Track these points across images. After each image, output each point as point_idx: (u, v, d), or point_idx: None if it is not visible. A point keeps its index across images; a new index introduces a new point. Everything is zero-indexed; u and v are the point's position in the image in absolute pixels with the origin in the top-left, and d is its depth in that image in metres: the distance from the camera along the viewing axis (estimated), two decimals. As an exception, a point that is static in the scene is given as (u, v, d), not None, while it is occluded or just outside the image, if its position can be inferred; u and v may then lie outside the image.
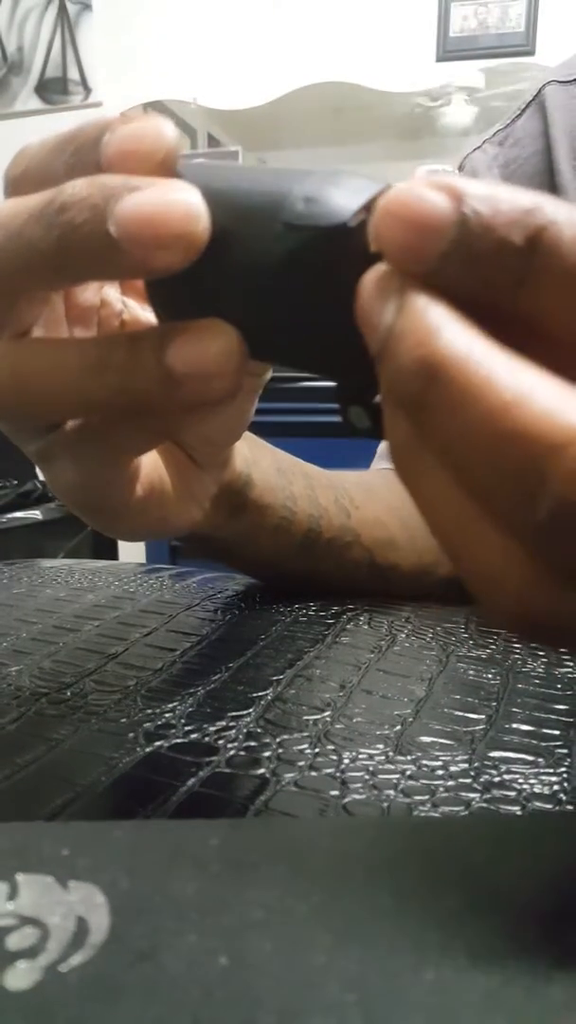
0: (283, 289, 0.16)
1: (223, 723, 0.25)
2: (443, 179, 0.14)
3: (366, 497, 0.42)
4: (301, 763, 0.22)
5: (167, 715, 0.25)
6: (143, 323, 0.25)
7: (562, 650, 0.16)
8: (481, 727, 0.25)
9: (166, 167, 0.17)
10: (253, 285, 0.17)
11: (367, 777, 0.22)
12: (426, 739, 0.24)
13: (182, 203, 0.15)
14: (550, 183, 0.51)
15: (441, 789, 0.21)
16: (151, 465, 0.26)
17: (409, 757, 0.23)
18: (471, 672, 0.29)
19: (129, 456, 0.24)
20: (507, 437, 0.12)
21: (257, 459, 0.35)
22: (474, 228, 0.13)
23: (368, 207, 0.16)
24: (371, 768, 0.22)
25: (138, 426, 0.21)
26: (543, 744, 0.23)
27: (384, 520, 0.41)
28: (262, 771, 0.22)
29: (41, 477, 1.66)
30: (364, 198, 0.16)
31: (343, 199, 0.16)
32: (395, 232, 0.14)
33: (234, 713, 0.26)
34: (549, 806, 0.20)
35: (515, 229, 0.13)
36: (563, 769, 0.22)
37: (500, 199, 0.13)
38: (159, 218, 0.15)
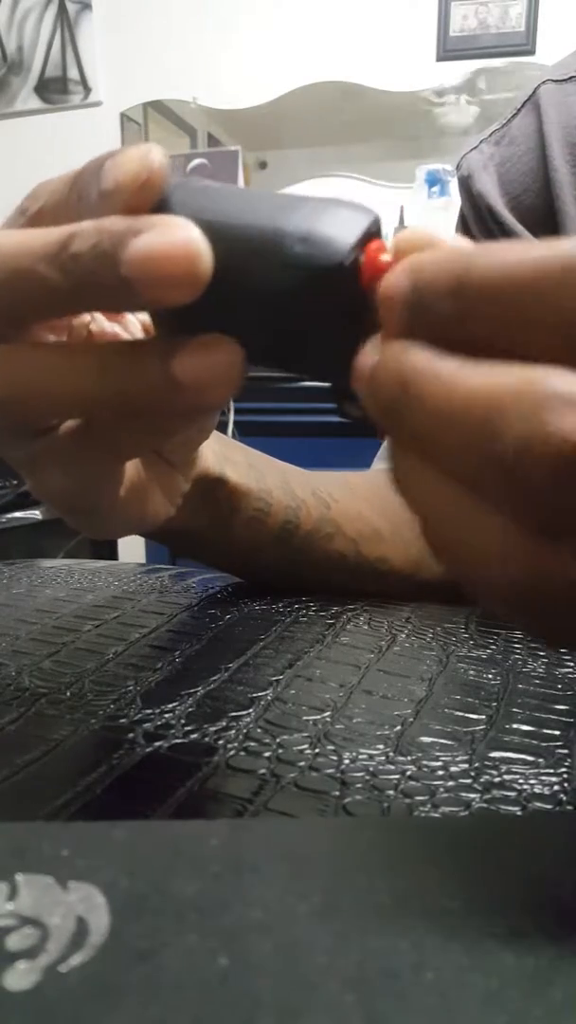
0: (282, 314, 0.18)
1: (223, 723, 0.25)
2: (403, 263, 0.16)
3: (346, 493, 0.42)
4: (301, 763, 0.22)
5: (167, 715, 0.25)
6: (109, 334, 0.26)
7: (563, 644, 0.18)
8: (481, 727, 0.25)
9: (151, 187, 0.18)
10: (253, 310, 0.18)
11: (367, 777, 0.22)
12: (426, 739, 0.24)
13: (186, 244, 0.17)
14: (544, 179, 0.52)
15: (441, 789, 0.21)
16: (131, 466, 0.26)
17: (409, 757, 0.23)
18: (471, 672, 0.29)
19: (122, 460, 0.24)
20: (462, 409, 0.15)
21: (229, 456, 0.35)
22: (418, 285, 0.16)
23: (360, 240, 0.17)
24: (371, 768, 0.22)
25: (134, 430, 0.22)
26: (543, 744, 0.23)
27: (366, 514, 0.42)
28: (262, 771, 0.22)
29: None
30: (356, 234, 0.17)
31: (337, 235, 0.17)
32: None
33: (234, 713, 0.26)
34: (549, 806, 0.20)
35: (445, 279, 0.16)
36: (563, 769, 0.22)
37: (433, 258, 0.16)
38: (166, 260, 0.17)
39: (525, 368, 0.15)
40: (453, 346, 0.16)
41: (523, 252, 0.15)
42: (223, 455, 0.35)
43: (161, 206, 0.18)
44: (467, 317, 0.15)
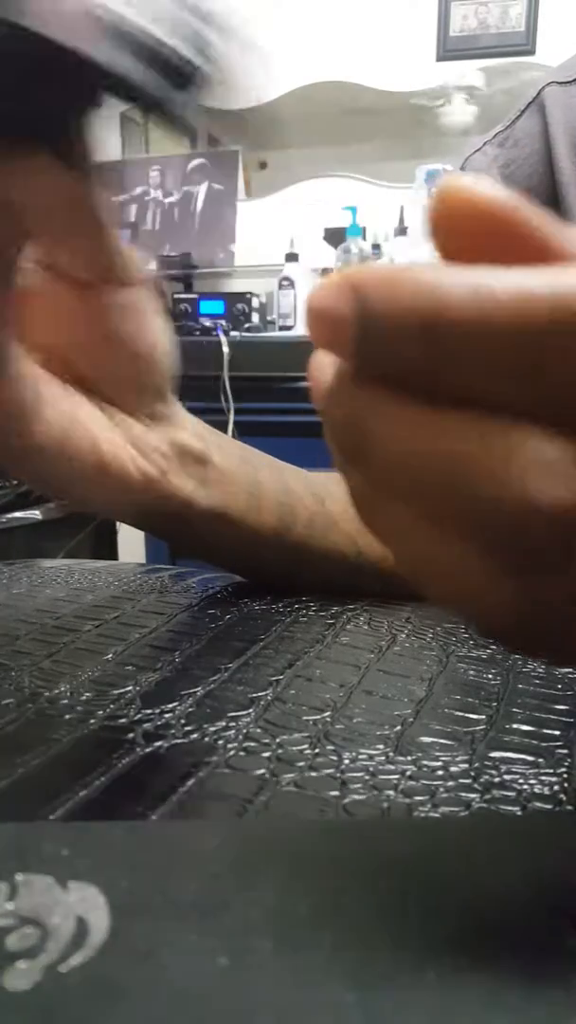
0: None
1: (223, 723, 0.25)
2: (347, 275, 0.14)
3: (343, 490, 0.42)
4: (301, 763, 0.22)
5: (167, 715, 0.25)
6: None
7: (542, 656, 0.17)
8: (481, 727, 0.25)
9: None
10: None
11: (367, 777, 0.22)
12: (426, 739, 0.24)
13: None
14: (550, 181, 0.52)
15: (441, 789, 0.21)
16: (55, 405, 0.28)
17: (409, 757, 0.23)
18: (471, 672, 0.29)
19: None
20: (429, 464, 0.14)
21: (220, 443, 0.36)
22: (373, 320, 0.13)
23: None
24: (371, 768, 0.22)
25: None
26: (543, 744, 0.23)
27: None
28: (262, 771, 0.22)
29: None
30: None
31: None
32: (317, 332, 0.14)
33: (234, 713, 0.26)
34: (549, 806, 0.20)
35: (410, 318, 0.13)
36: (563, 769, 0.22)
37: (397, 286, 0.13)
38: None
39: (498, 426, 0.13)
40: (415, 387, 0.14)
41: (503, 285, 0.13)
42: (209, 440, 0.35)
43: None
44: (438, 366, 0.13)
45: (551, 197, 0.52)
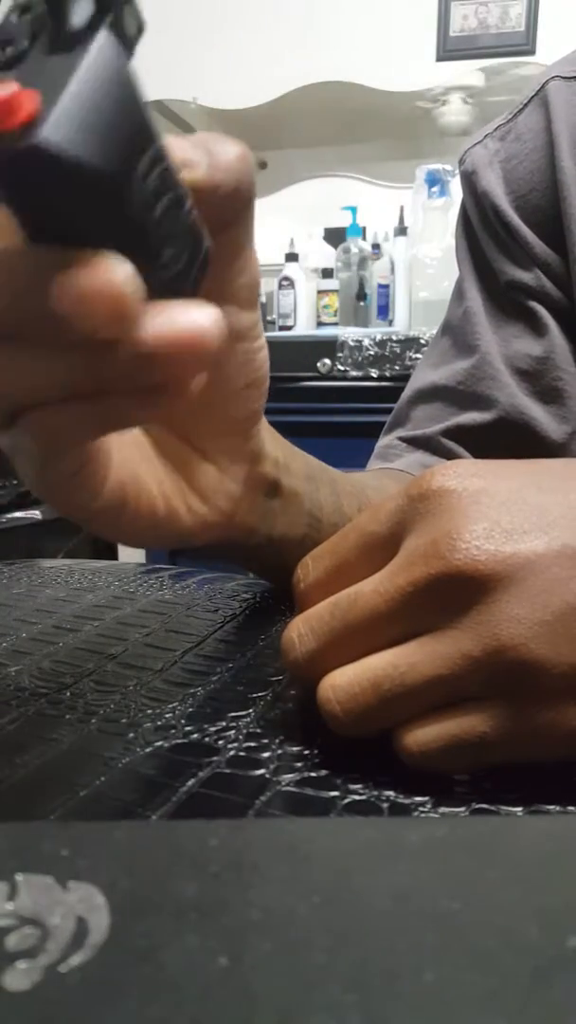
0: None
1: (223, 723, 0.25)
2: None
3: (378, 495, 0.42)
4: (300, 763, 0.22)
5: (167, 715, 0.25)
6: None
7: None
8: (481, 727, 0.25)
9: None
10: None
11: (367, 777, 0.22)
12: (426, 739, 0.24)
13: None
14: (551, 179, 0.51)
15: (441, 789, 0.21)
16: (121, 463, 0.26)
17: (409, 757, 0.23)
18: (471, 672, 0.29)
19: (73, 444, 0.23)
20: None
21: (289, 464, 0.34)
22: None
23: None
24: (371, 768, 0.22)
25: (80, 410, 0.21)
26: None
27: None
28: (262, 771, 0.22)
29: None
30: None
31: None
32: None
33: (234, 713, 0.26)
34: (549, 806, 0.20)
35: None
36: (563, 769, 0.22)
37: None
38: None
39: None
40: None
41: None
42: (282, 464, 0.34)
43: None
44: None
45: (552, 196, 0.51)
